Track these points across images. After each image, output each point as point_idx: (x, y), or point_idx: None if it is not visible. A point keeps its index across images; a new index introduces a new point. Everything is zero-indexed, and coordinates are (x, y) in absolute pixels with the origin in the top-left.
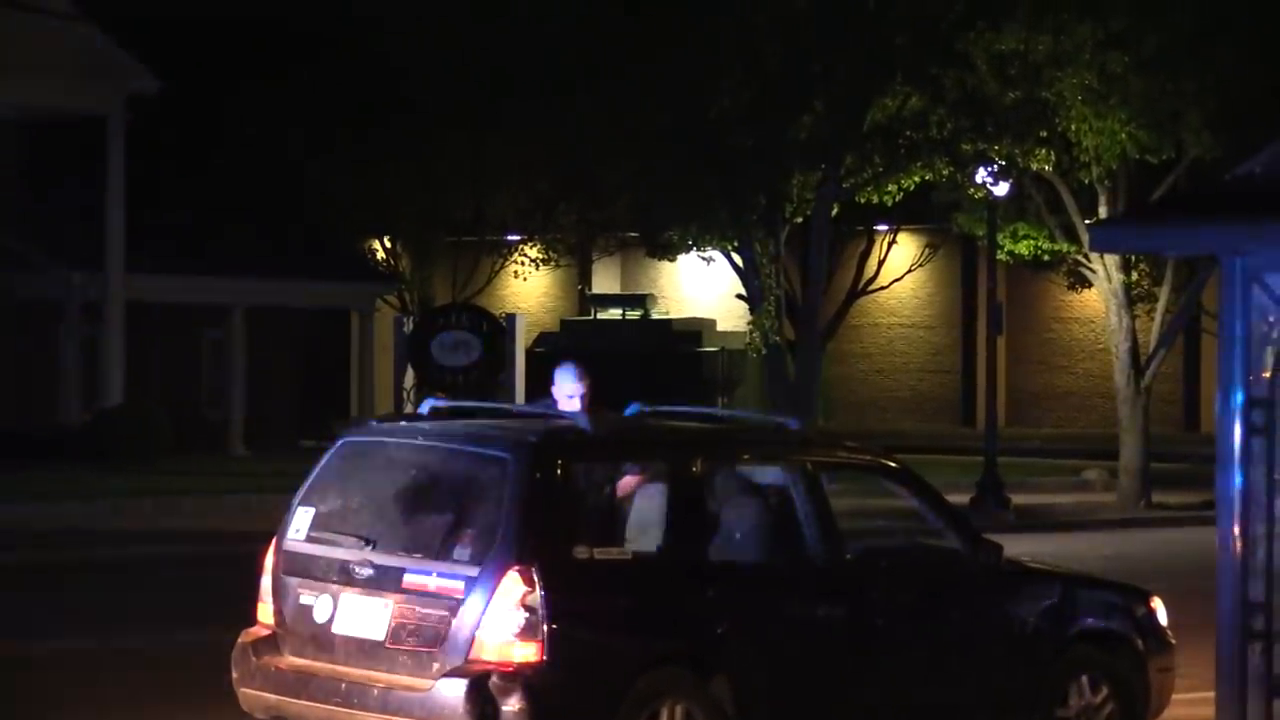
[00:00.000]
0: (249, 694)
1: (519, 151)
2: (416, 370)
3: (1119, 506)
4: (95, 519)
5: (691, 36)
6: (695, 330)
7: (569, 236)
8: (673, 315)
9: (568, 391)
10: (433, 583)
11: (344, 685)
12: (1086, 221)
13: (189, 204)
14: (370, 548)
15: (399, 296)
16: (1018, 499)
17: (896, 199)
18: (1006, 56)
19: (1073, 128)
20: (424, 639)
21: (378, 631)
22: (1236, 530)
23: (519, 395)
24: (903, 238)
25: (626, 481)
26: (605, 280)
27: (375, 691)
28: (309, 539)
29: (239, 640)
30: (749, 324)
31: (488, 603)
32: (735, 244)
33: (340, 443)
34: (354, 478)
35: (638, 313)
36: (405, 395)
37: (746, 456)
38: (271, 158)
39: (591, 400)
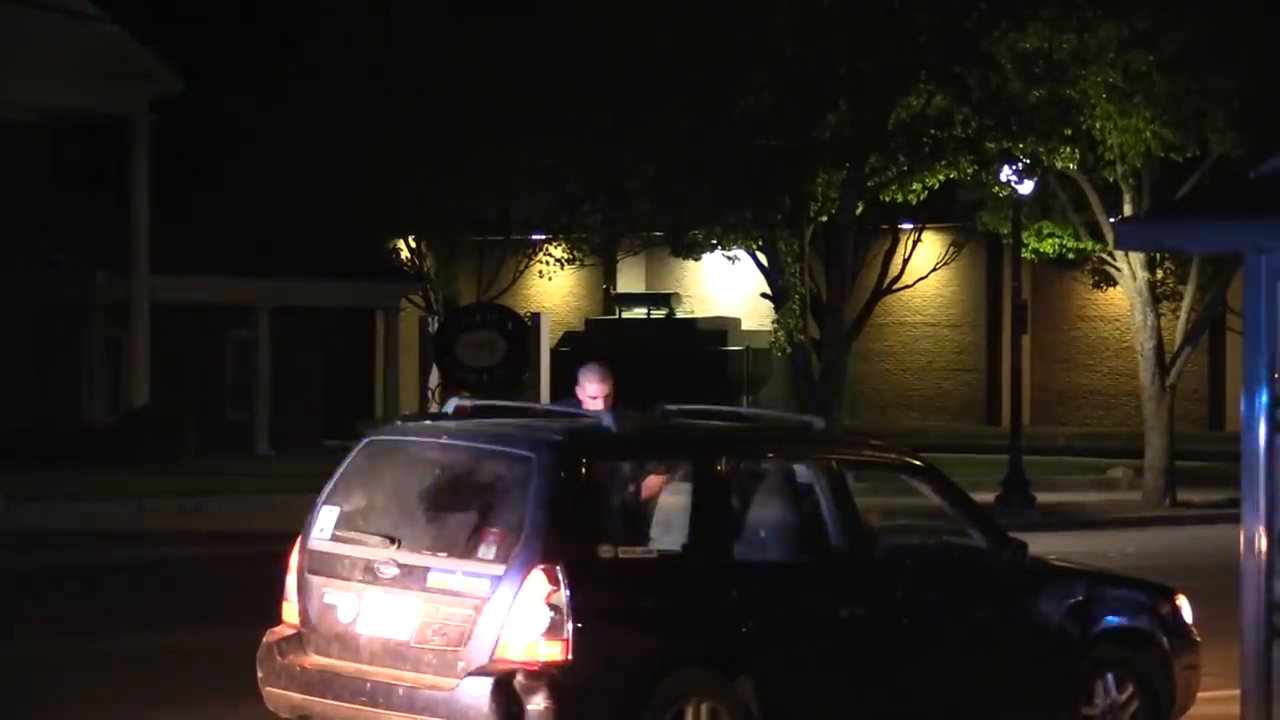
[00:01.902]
0: (274, 693)
1: (545, 153)
2: (441, 369)
3: (1144, 505)
4: (120, 519)
5: (715, 37)
6: (720, 329)
7: (594, 236)
8: (697, 314)
9: (592, 392)
10: (458, 582)
11: (369, 684)
12: (1111, 219)
13: (213, 204)
14: (395, 547)
15: (424, 296)
16: (1043, 497)
17: (921, 198)
18: (1030, 55)
19: (1097, 126)
20: (449, 638)
21: (403, 631)
22: (1261, 528)
23: (544, 395)
24: (927, 236)
25: (651, 480)
26: (630, 279)
27: (400, 691)
28: (334, 538)
29: (264, 639)
30: (774, 323)
31: (513, 601)
32: (760, 243)
33: (365, 442)
34: (379, 477)
35: (662, 312)
36: (430, 394)
37: (771, 455)
38: (296, 157)
39: (615, 400)
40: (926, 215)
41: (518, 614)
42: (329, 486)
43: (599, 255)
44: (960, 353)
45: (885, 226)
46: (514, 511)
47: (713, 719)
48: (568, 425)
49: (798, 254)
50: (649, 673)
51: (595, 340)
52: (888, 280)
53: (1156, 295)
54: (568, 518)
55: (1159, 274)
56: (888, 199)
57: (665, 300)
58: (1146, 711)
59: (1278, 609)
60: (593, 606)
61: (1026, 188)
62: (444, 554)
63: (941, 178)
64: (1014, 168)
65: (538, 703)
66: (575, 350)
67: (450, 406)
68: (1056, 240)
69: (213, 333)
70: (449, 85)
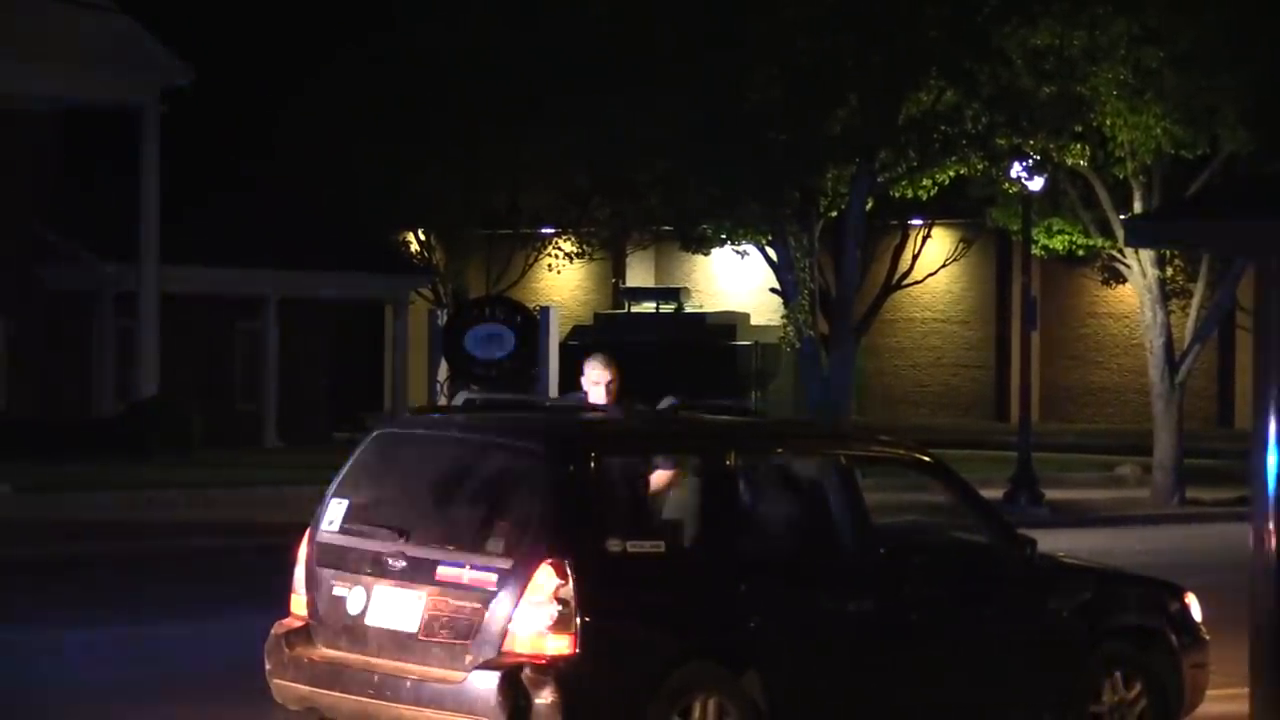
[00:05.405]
0: (282, 685)
1: (555, 146)
2: (450, 363)
3: (1153, 502)
4: (129, 510)
5: (726, 32)
6: (729, 324)
7: (603, 230)
8: (706, 309)
9: (594, 378)
10: (466, 575)
11: (376, 677)
12: (1121, 216)
13: (224, 195)
14: (404, 540)
15: (433, 289)
16: (1051, 494)
17: (931, 193)
18: (1042, 51)
19: (1108, 122)
20: (457, 631)
21: (411, 623)
22: (1271, 526)
23: (552, 388)
24: (937, 232)
25: (660, 475)
26: (639, 274)
27: (408, 683)
28: (342, 531)
29: (272, 631)
30: (783, 318)
31: (521, 595)
32: (769, 238)
33: (374, 435)
34: (388, 470)
35: (671, 306)
36: (439, 388)
37: (780, 450)
38: (307, 150)
39: (622, 392)
40: (936, 211)
41: (526, 608)
42: (338, 479)
43: (608, 249)
44: (969, 349)
45: (895, 222)
46: (523, 505)
47: (720, 714)
48: (576, 419)
49: (807, 249)
50: (656, 667)
51: (604, 334)
52: (897, 276)
53: (1166, 292)
54: (576, 512)
55: (1169, 271)
56: (898, 194)
57: (674, 295)
58: (1155, 709)
59: None
60: (601, 600)
61: (1036, 184)
62: (453, 547)
63: (951, 173)
64: (1024, 164)
65: (545, 696)
66: (584, 344)
67: (459, 399)
68: (1066, 237)
69: (222, 324)
70: (459, 78)
